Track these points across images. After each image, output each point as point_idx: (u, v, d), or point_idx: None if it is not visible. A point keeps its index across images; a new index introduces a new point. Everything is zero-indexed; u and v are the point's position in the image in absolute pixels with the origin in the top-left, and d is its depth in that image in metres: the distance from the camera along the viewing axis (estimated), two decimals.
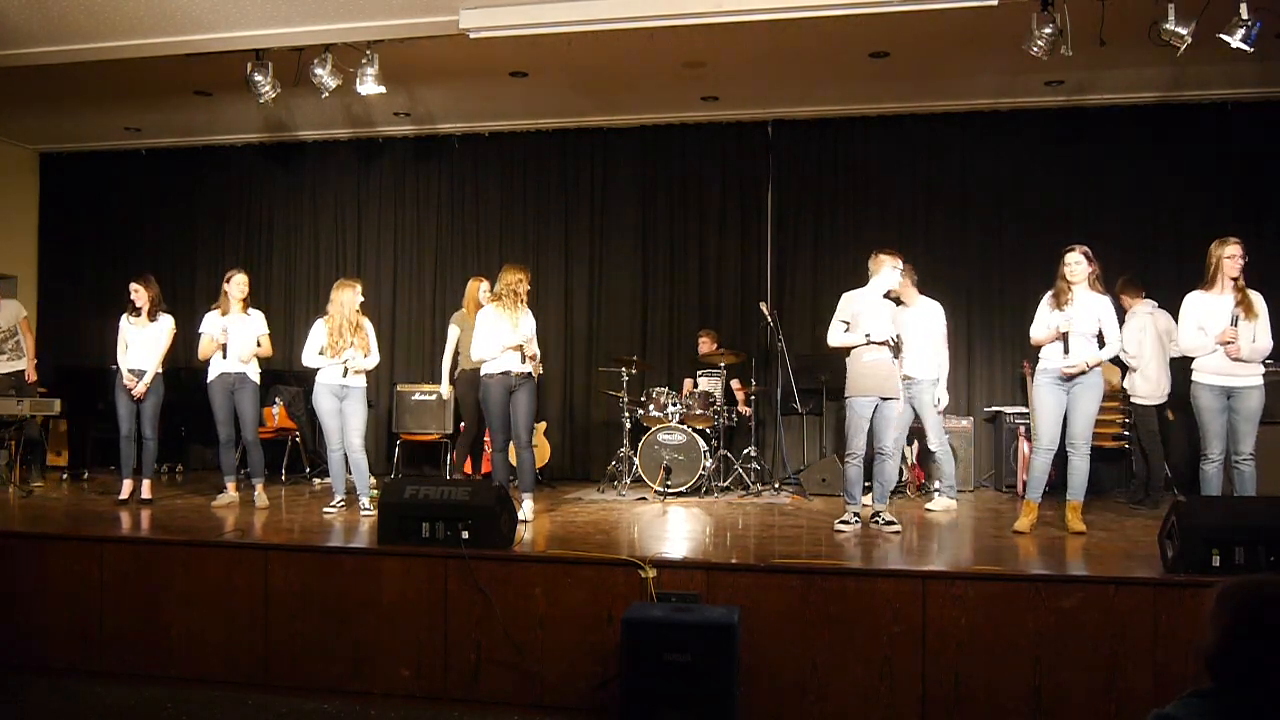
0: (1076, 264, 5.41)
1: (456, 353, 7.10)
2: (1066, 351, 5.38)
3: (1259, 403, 5.23)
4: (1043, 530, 5.52)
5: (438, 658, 4.51)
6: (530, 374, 5.91)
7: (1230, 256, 5.24)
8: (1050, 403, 5.44)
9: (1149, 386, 6.84)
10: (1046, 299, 5.53)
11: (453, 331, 7.20)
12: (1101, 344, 5.41)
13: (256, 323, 6.59)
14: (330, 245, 9.45)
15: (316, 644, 4.63)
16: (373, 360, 6.35)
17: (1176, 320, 5.55)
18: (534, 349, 5.90)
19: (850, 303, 5.67)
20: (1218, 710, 1.70)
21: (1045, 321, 5.47)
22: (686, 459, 7.17)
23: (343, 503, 6.26)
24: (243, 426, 6.52)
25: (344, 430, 6.24)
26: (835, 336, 5.69)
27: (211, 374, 6.48)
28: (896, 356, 5.64)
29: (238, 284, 6.51)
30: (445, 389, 7.34)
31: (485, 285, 6.97)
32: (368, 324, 6.39)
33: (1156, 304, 7.00)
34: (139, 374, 6.52)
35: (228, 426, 6.50)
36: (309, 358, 6.29)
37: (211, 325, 6.49)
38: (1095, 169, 8.12)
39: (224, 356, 6.42)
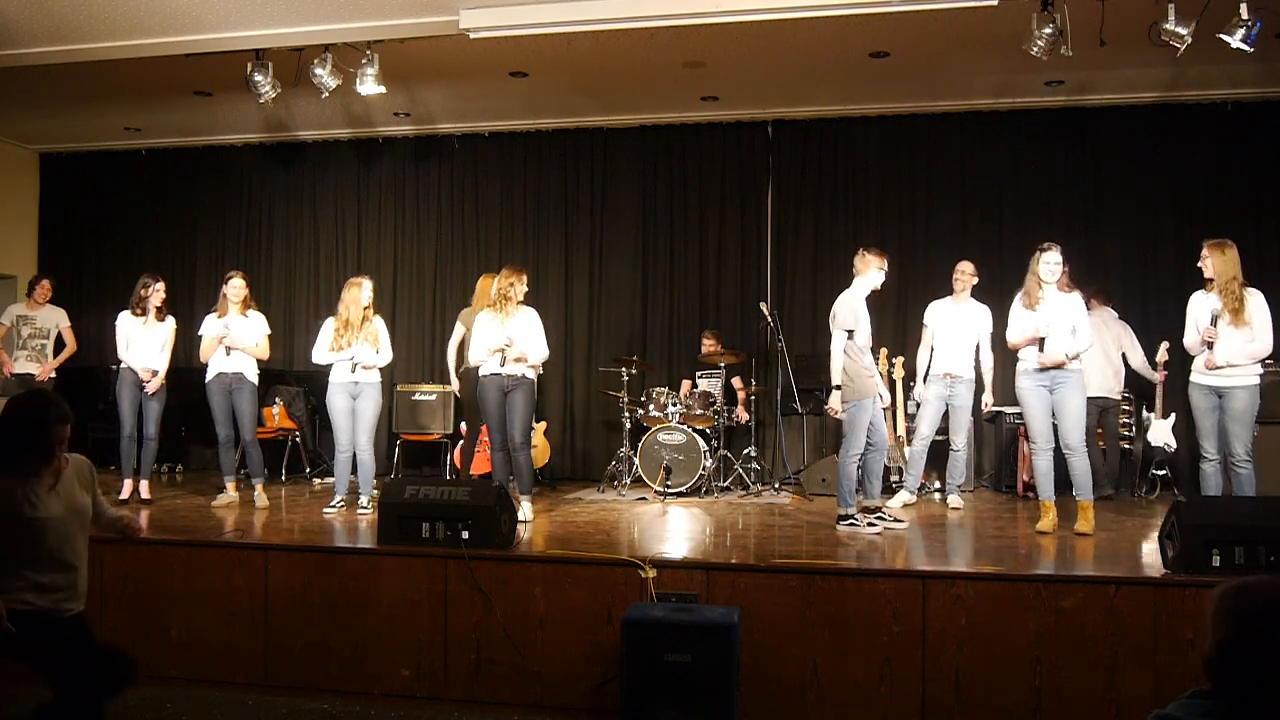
0: (1057, 264, 5.42)
1: (461, 346, 7.14)
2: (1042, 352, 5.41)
3: (1248, 403, 5.21)
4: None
5: (438, 658, 4.51)
6: (524, 376, 5.91)
7: (1200, 260, 5.33)
8: (1037, 403, 5.47)
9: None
10: (1018, 300, 5.54)
11: (458, 329, 7.23)
12: None
13: (256, 324, 6.60)
14: (330, 245, 9.45)
15: (316, 644, 4.63)
16: (383, 358, 6.35)
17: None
18: (518, 350, 5.85)
19: (850, 308, 5.62)
20: (1217, 711, 1.70)
21: (1020, 325, 5.49)
22: (686, 459, 7.17)
23: (342, 503, 6.26)
24: (241, 427, 6.52)
25: (354, 428, 6.24)
26: (839, 348, 5.57)
27: (209, 374, 6.48)
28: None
29: (234, 288, 6.52)
30: (455, 384, 7.33)
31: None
32: (379, 322, 6.39)
33: (1118, 315, 7.31)
34: (155, 374, 6.53)
35: (226, 426, 6.50)
36: (318, 354, 6.32)
37: (210, 327, 6.50)
38: (1095, 169, 8.12)
39: (227, 354, 6.42)
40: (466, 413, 7.21)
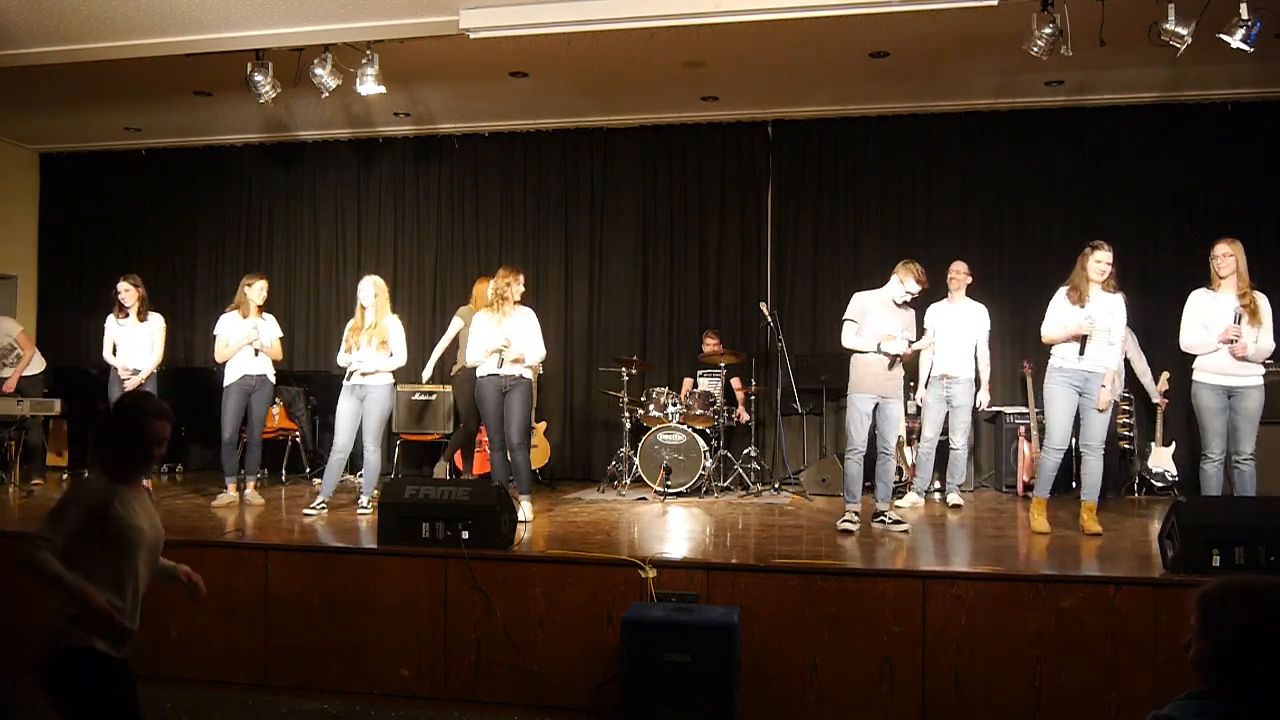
0: (1109, 264, 5.35)
1: (454, 345, 7.17)
2: (1082, 352, 5.33)
3: (1259, 402, 5.23)
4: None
5: (438, 658, 4.51)
6: (521, 376, 5.91)
7: (1213, 256, 5.30)
8: (1064, 403, 5.39)
9: None
10: (1063, 295, 5.44)
11: (455, 324, 7.25)
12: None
13: (271, 325, 6.65)
14: (330, 245, 9.45)
15: (316, 644, 4.64)
16: (394, 361, 6.28)
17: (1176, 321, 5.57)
18: (516, 351, 5.84)
19: (857, 302, 5.69)
20: (1216, 711, 1.70)
21: (1062, 320, 5.39)
22: (686, 459, 7.17)
23: (324, 505, 6.09)
24: (251, 426, 6.53)
25: (362, 428, 6.24)
26: (848, 337, 5.67)
27: (232, 375, 6.46)
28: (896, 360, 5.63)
29: (259, 290, 6.55)
30: (427, 372, 7.43)
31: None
32: (392, 322, 6.34)
33: (1126, 322, 7.21)
34: (135, 373, 6.52)
35: (234, 428, 6.50)
36: (340, 358, 6.34)
37: (231, 327, 6.48)
38: (1095, 169, 8.11)
39: (255, 355, 6.43)
40: (463, 410, 7.23)
